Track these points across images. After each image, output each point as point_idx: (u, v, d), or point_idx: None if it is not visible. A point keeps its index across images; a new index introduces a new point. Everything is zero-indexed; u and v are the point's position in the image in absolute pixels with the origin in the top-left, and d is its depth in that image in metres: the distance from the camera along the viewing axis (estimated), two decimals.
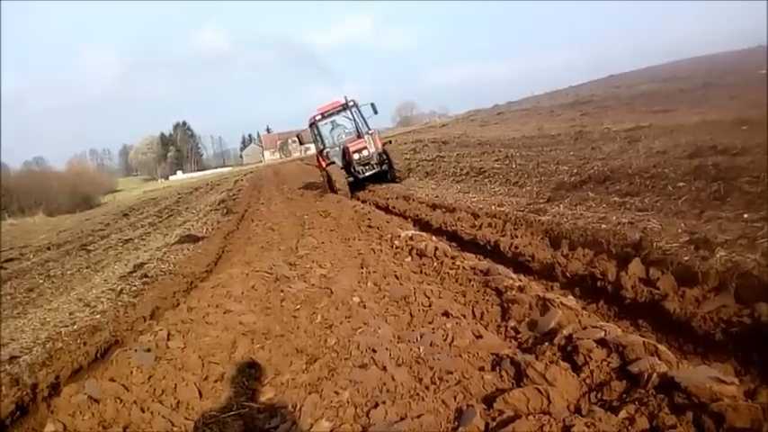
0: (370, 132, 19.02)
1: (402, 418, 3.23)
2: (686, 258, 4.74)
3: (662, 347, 3.24)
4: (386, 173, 18.20)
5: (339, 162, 18.91)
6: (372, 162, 18.17)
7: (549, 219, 7.37)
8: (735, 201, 6.21)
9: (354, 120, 19.56)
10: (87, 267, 14.62)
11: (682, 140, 10.97)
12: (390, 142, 20.10)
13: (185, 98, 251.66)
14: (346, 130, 20.35)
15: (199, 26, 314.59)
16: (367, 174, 18.15)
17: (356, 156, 17.97)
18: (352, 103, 19.23)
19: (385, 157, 18.06)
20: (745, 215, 5.58)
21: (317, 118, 19.48)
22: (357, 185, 18.57)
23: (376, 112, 19.30)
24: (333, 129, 20.44)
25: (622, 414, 2.74)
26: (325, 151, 19.51)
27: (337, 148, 19.41)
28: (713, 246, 4.79)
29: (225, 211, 22.08)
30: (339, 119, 20.30)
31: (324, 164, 19.29)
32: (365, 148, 18.14)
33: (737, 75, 29.17)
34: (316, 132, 20.08)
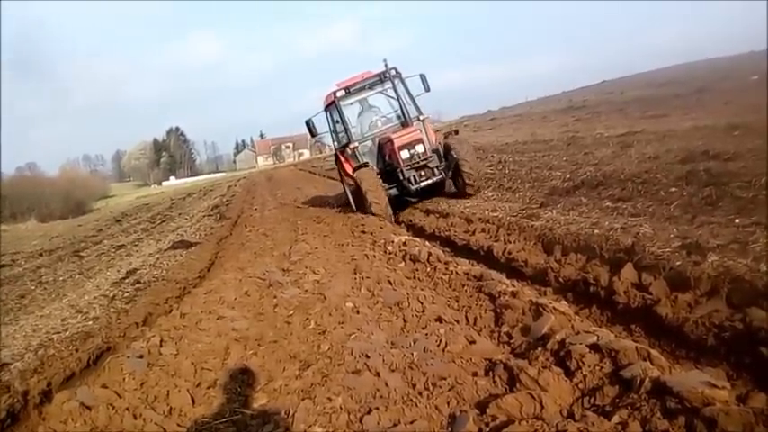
0: (422, 119, 12.82)
1: (395, 424, 3.23)
2: (678, 263, 4.75)
3: (654, 352, 3.25)
4: (443, 182, 12.31)
5: (372, 164, 12.68)
6: (431, 165, 11.76)
7: (541, 224, 7.38)
8: (726, 206, 6.24)
9: (399, 98, 12.76)
10: (80, 273, 14.56)
11: (674, 146, 11.02)
12: (457, 132, 13.34)
13: (178, 103, 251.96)
14: (382, 116, 13.82)
15: (191, 31, 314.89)
16: (423, 183, 11.73)
17: (405, 154, 11.57)
18: (393, 73, 12.72)
19: (453, 156, 11.66)
20: (737, 220, 5.60)
21: (339, 95, 12.90)
22: (399, 201, 12.61)
23: (428, 89, 12.74)
24: (362, 112, 14.00)
25: (615, 419, 2.75)
26: (351, 146, 12.91)
27: (369, 143, 13.20)
28: (705, 251, 4.81)
29: (218, 216, 22.03)
30: (372, 99, 13.89)
31: (350, 167, 12.83)
32: (419, 141, 11.68)
33: (730, 80, 29.32)
34: (335, 119, 13.63)
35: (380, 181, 11.93)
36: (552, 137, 20.07)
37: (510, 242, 7.35)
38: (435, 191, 12.61)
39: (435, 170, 11.81)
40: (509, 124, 38.35)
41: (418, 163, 11.64)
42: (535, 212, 8.27)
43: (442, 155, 12.07)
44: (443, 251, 7.74)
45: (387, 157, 12.39)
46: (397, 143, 11.63)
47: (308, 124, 13.41)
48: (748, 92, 21.71)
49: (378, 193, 11.49)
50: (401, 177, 11.72)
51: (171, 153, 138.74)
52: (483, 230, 8.40)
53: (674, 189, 7.49)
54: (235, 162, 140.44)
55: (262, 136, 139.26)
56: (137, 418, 3.89)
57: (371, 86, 13.17)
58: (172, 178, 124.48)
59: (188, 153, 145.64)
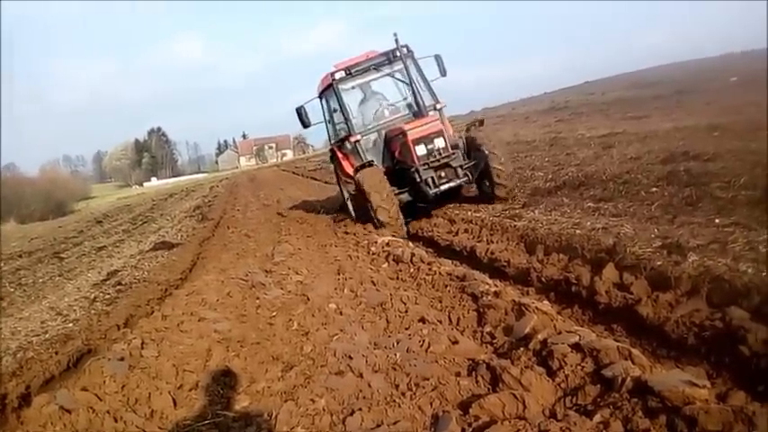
0: (439, 107, 10.63)
1: (378, 425, 3.22)
2: (659, 263, 4.79)
3: (636, 352, 3.26)
4: (460, 187, 10.08)
5: (378, 162, 10.55)
6: (454, 164, 9.56)
7: (524, 224, 7.42)
8: (706, 206, 6.31)
9: (412, 82, 10.43)
10: (60, 275, 14.40)
11: (655, 146, 11.12)
12: (482, 124, 11.03)
13: (160, 104, 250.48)
14: (389, 104, 11.56)
15: (174, 32, 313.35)
16: (444, 187, 9.52)
17: (421, 149, 9.45)
18: (405, 51, 10.46)
19: (484, 152, 9.52)
20: (717, 220, 5.66)
21: (338, 77, 10.68)
22: (408, 209, 10.19)
23: (444, 74, 10.70)
24: (365, 99, 11.63)
25: (597, 418, 2.76)
26: (352, 140, 10.68)
27: (374, 136, 11.04)
28: (685, 250, 4.85)
29: (200, 217, 21.87)
30: (378, 84, 11.54)
31: (349, 166, 10.93)
32: (439, 133, 9.56)
33: (709, 82, 29.64)
34: (332, 107, 11.57)
35: (388, 184, 9.63)
36: (534, 137, 20.18)
37: (493, 242, 7.37)
38: (453, 195, 10.48)
39: (459, 170, 9.58)
40: (491, 125, 38.37)
41: (438, 161, 9.47)
42: (518, 213, 8.31)
43: (464, 151, 9.99)
44: (426, 252, 7.77)
45: (397, 154, 10.18)
46: (411, 136, 9.44)
47: (299, 112, 11.12)
48: (728, 93, 22.00)
49: (387, 198, 9.37)
50: (418, 179, 9.47)
51: (152, 154, 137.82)
52: (466, 231, 8.43)
53: (654, 189, 7.56)
54: (217, 163, 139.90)
55: (244, 136, 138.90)
56: (117, 421, 3.85)
57: (378, 67, 10.90)
58: (153, 179, 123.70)
59: (169, 154, 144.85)
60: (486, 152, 9.46)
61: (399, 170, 10.12)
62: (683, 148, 9.89)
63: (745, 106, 15.79)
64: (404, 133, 9.58)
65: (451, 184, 9.59)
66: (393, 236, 8.81)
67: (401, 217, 9.55)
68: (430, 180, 9.44)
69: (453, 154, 9.55)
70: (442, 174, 9.55)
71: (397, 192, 9.76)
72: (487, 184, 9.77)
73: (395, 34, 10.11)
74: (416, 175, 9.46)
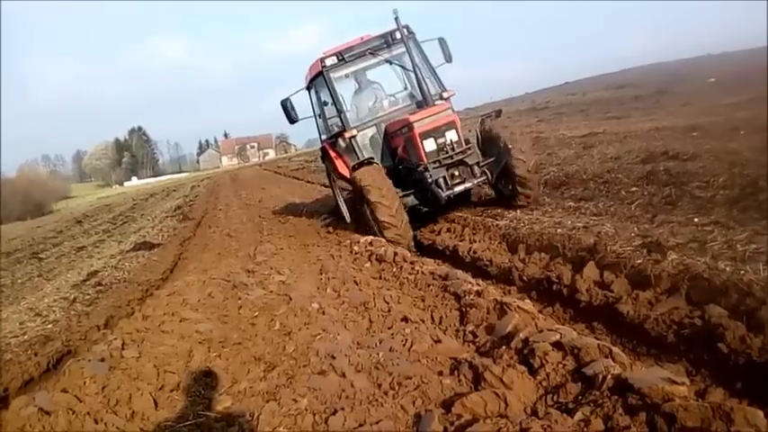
0: (446, 96, 9.22)
1: (361, 425, 3.22)
2: (639, 262, 4.83)
3: (616, 349, 3.29)
4: (469, 191, 8.83)
5: (377, 161, 8.85)
6: (470, 161, 8.10)
7: (506, 223, 7.44)
8: (686, 205, 6.39)
9: (415, 67, 8.76)
10: (39, 276, 14.26)
11: (635, 146, 11.20)
12: (499, 114, 9.27)
13: (141, 103, 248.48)
14: (389, 95, 10.22)
15: (155, 31, 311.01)
16: (458, 188, 8.06)
17: (430, 144, 8.04)
18: (406, 32, 8.88)
19: (508, 147, 8.11)
20: (696, 219, 5.73)
21: (329, 63, 9.26)
22: (412, 213, 8.51)
23: (450, 59, 9.31)
24: (360, 90, 10.12)
25: (578, 416, 2.77)
26: (347, 135, 9.16)
27: (372, 131, 9.46)
28: (665, 249, 4.90)
29: (181, 217, 21.69)
30: (374, 72, 10.16)
31: (344, 165, 9.60)
32: (451, 124, 8.12)
33: (688, 83, 29.96)
34: (322, 99, 10.16)
35: (392, 185, 8.16)
36: None
37: (475, 241, 7.39)
38: (463, 199, 9.15)
39: (475, 168, 8.12)
40: (473, 124, 38.45)
41: (451, 158, 8.02)
42: (499, 212, 8.31)
43: (480, 147, 8.66)
44: (409, 251, 7.75)
45: (400, 151, 8.78)
46: (418, 129, 7.98)
47: (285, 106, 9.67)
48: (706, 94, 22.26)
49: (392, 203, 7.91)
50: (428, 180, 8.00)
51: (133, 153, 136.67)
52: (448, 230, 8.44)
53: (634, 188, 7.63)
54: (198, 162, 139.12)
55: (226, 135, 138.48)
56: (98, 423, 3.81)
57: (375, 52, 9.37)
58: (134, 178, 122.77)
59: (150, 153, 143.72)
60: (510, 148, 8.07)
61: (403, 170, 8.83)
62: (663, 147, 9.97)
63: (723, 107, 16.02)
64: (409, 126, 8.14)
65: (467, 185, 8.19)
66: (390, 241, 7.74)
67: (410, 228, 8.14)
68: (441, 181, 8.01)
69: (468, 149, 8.16)
70: (456, 173, 8.13)
71: (401, 194, 8.35)
72: (507, 185, 8.49)
73: (395, 11, 8.56)
74: (428, 176, 8.01)
